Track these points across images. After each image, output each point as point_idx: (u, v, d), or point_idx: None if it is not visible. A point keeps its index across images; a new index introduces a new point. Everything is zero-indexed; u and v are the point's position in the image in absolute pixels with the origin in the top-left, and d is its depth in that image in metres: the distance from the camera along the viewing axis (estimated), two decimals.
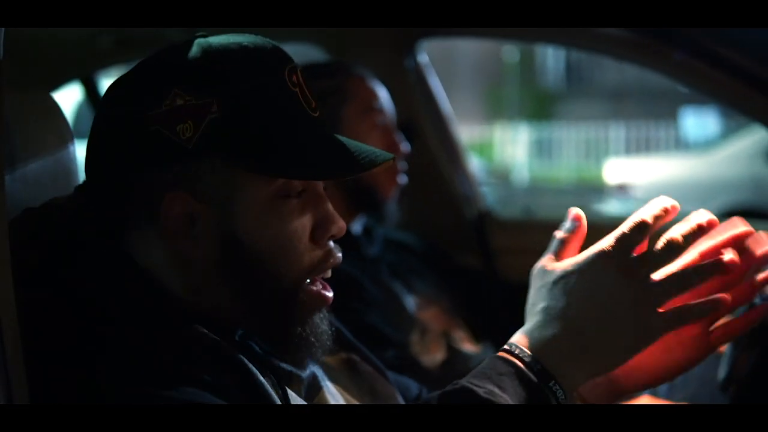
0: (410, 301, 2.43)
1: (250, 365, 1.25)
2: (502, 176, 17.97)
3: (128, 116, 1.27)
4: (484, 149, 20.21)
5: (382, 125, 2.43)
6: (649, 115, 19.83)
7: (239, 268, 1.28)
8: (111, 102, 1.32)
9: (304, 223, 1.30)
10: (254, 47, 1.31)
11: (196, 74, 1.26)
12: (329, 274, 1.36)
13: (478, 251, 3.21)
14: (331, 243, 1.34)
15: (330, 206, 1.34)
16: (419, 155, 2.98)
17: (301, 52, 2.83)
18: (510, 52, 21.39)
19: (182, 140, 1.23)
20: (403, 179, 2.48)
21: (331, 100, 2.39)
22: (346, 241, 2.34)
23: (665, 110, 19.74)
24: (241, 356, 1.25)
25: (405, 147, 2.46)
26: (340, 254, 1.35)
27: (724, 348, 2.08)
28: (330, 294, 1.35)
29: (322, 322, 1.35)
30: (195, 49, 1.29)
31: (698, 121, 19.30)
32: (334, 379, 1.52)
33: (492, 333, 2.64)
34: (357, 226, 2.49)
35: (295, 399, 1.35)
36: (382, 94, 2.49)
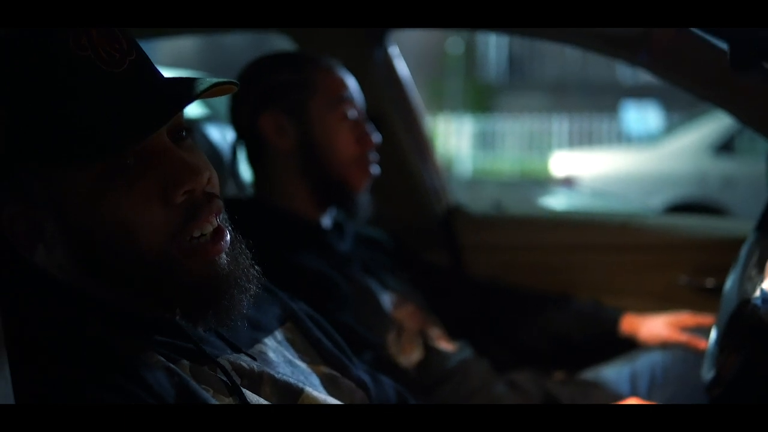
0: (385, 299, 2.37)
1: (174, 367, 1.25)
2: (444, 168, 18.02)
3: None
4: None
5: (352, 117, 2.37)
6: (591, 108, 19.98)
7: (96, 265, 1.25)
8: None
9: (144, 194, 1.24)
10: (29, 39, 1.24)
11: None
12: (212, 221, 1.30)
13: (446, 247, 3.17)
14: (202, 194, 1.28)
15: (181, 158, 1.27)
16: (387, 148, 2.92)
17: (269, 43, 2.78)
18: (453, 44, 21.42)
19: None
20: (375, 170, 2.42)
21: (297, 94, 2.33)
22: (316, 237, 2.31)
23: (607, 103, 19.90)
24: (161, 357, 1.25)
25: (376, 138, 2.40)
26: (217, 202, 1.30)
27: (706, 348, 2.08)
28: (220, 242, 1.29)
29: (226, 268, 1.30)
30: None
31: (639, 115, 19.47)
32: (314, 387, 1.49)
33: (467, 331, 2.61)
34: (327, 221, 2.43)
35: (256, 400, 1.32)
36: (351, 85, 2.42)
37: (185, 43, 22.13)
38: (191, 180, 1.25)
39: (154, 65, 1.31)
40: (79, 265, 1.25)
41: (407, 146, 3.12)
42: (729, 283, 2.07)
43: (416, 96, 3.20)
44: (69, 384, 1.14)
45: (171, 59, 20.58)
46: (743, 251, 2.04)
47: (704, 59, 2.28)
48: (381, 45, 3.06)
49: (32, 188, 1.22)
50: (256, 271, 1.37)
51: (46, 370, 1.16)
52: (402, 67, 3.15)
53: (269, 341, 1.51)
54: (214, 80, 1.26)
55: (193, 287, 1.27)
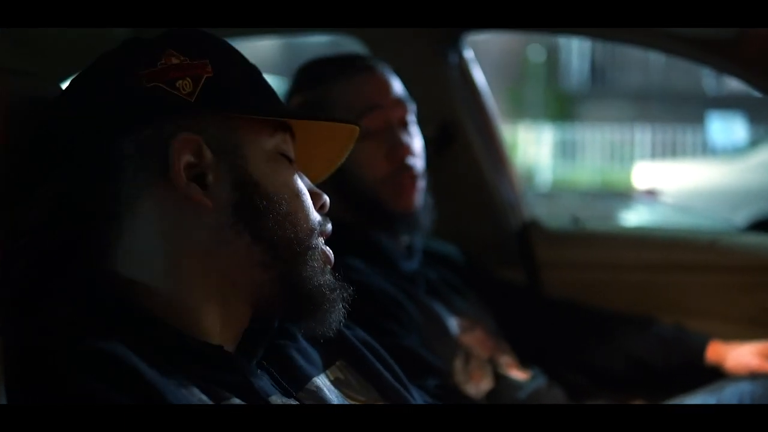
0: (452, 323, 2.25)
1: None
2: (524, 179, 18.00)
3: (118, 78, 1.29)
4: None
5: (378, 129, 2.23)
6: (675, 118, 19.80)
7: (259, 211, 1.29)
8: (93, 71, 1.34)
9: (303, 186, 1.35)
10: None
11: (186, 40, 1.33)
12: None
13: (522, 264, 3.04)
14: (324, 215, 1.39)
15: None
16: (460, 157, 2.84)
17: (338, 44, 2.68)
18: (534, 51, 21.35)
19: (183, 95, 1.27)
20: (420, 183, 2.29)
21: (319, 111, 2.21)
22: (380, 255, 2.19)
23: (691, 113, 19.72)
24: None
25: (414, 146, 2.27)
26: (328, 226, 1.40)
27: None
28: (332, 255, 1.40)
29: (333, 286, 1.36)
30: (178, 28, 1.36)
31: (725, 126, 19.26)
32: None
33: (539, 355, 2.49)
34: (393, 239, 2.31)
35: None
36: (384, 91, 2.28)
37: (264, 47, 22.36)
38: (318, 199, 1.39)
39: None
40: (213, 228, 1.28)
41: (482, 156, 2.99)
42: None
43: (492, 103, 3.08)
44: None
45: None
46: None
47: None
48: (456, 48, 2.94)
49: (211, 133, 1.29)
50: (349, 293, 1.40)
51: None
52: (478, 73, 3.02)
53: (323, 380, 1.42)
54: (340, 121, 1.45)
55: (313, 273, 1.34)
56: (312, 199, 1.36)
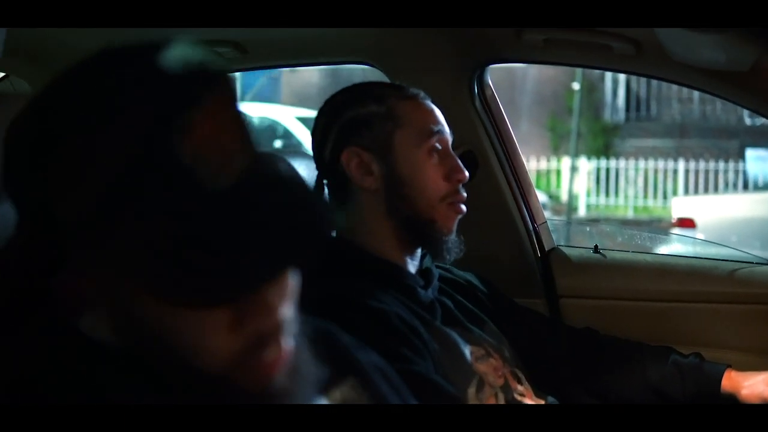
0: (467, 351, 2.24)
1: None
2: (564, 209, 17.97)
3: None
4: (546, 182, 20.18)
5: (440, 150, 2.27)
6: (714, 152, 19.71)
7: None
8: None
9: (213, 327, 1.07)
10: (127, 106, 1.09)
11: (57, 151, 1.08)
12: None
13: (542, 292, 3.06)
14: (265, 329, 1.11)
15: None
16: (483, 185, 2.86)
17: (360, 74, 2.71)
18: (575, 84, 21.38)
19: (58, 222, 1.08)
20: (463, 209, 2.31)
21: (380, 127, 2.23)
22: (399, 282, 2.21)
23: (730, 147, 19.62)
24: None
25: (466, 174, 2.30)
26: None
27: None
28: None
29: (291, 380, 1.17)
30: None
31: (763, 160, 19.14)
32: None
33: (557, 386, 2.48)
34: (412, 265, 2.32)
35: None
36: (439, 117, 2.31)
37: (307, 77, 22.41)
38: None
39: None
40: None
41: (503, 184, 3.02)
42: None
43: (512, 134, 3.10)
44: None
45: (295, 95, 20.93)
46: None
47: None
48: (479, 77, 2.98)
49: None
50: None
51: None
52: (499, 103, 3.05)
53: (322, 402, 1.39)
54: None
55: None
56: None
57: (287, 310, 1.14)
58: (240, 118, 1.10)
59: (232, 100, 1.09)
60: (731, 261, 3.07)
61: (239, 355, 1.10)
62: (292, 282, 1.13)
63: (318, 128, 2.32)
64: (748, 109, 2.61)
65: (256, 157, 1.10)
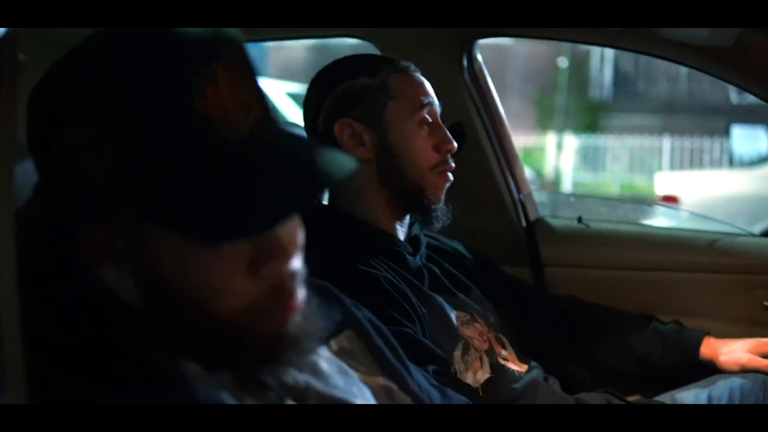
0: (453, 315, 2.31)
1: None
2: (550, 185, 17.98)
3: None
4: (533, 158, 20.19)
5: (430, 122, 2.33)
6: (700, 130, 19.74)
7: (165, 306, 1.18)
8: None
9: (232, 264, 1.15)
10: (153, 57, 1.17)
11: (90, 104, 1.15)
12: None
13: (527, 261, 3.10)
14: (283, 273, 1.19)
15: (274, 235, 1.18)
16: (471, 157, 2.89)
17: (353, 49, 2.76)
18: (564, 60, 21.35)
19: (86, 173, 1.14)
20: (450, 178, 2.38)
21: (373, 99, 2.29)
22: (389, 248, 2.27)
23: (716, 125, 19.64)
24: None
25: (454, 145, 2.36)
26: (296, 283, 1.23)
27: None
28: (292, 307, 1.22)
29: (300, 328, 1.24)
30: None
31: (748, 138, 19.17)
32: (365, 400, 1.44)
33: (540, 352, 2.55)
34: (401, 232, 2.38)
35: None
36: (429, 89, 2.37)
37: (294, 52, 22.34)
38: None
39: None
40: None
41: (491, 155, 3.07)
42: None
43: (500, 107, 3.15)
44: (91, 388, 1.11)
45: (280, 69, 20.84)
46: None
47: None
48: (469, 51, 3.02)
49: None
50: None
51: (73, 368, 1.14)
52: (488, 78, 3.11)
53: (323, 351, 1.45)
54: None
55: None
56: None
57: (297, 259, 1.21)
58: (253, 75, 1.19)
59: (245, 58, 1.18)
60: (711, 232, 3.13)
61: (256, 298, 1.18)
62: (300, 232, 1.21)
63: (311, 99, 2.36)
64: (732, 84, 2.66)
65: (267, 110, 1.19)
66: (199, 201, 1.10)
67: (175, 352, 1.20)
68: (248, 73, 1.19)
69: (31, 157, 1.19)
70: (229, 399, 1.19)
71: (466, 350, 2.24)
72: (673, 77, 21.85)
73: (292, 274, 1.21)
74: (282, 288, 1.20)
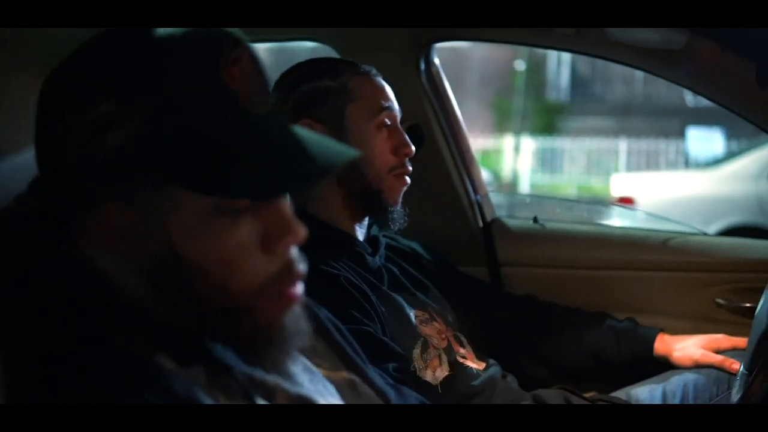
0: (412, 314, 2.34)
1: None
2: (508, 187, 18.03)
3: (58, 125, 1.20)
4: (490, 160, 20.23)
5: (389, 125, 2.36)
6: (656, 132, 19.86)
7: (177, 283, 1.20)
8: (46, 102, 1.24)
9: (248, 237, 1.21)
10: (186, 38, 1.22)
11: (123, 80, 1.18)
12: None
13: (484, 261, 3.14)
14: (293, 254, 1.24)
15: (287, 212, 1.24)
16: (428, 159, 2.93)
17: (311, 52, 2.78)
18: (520, 63, 21.42)
19: (112, 149, 1.16)
20: (408, 181, 2.41)
21: (333, 101, 2.31)
22: (348, 248, 2.30)
23: (672, 127, 19.78)
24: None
25: (412, 148, 2.39)
26: (303, 267, 1.25)
27: (739, 369, 2.06)
28: (298, 291, 1.25)
29: (293, 323, 1.27)
30: (125, 48, 1.21)
31: (703, 139, 19.32)
32: (330, 396, 1.47)
33: (498, 350, 2.59)
34: (360, 233, 2.42)
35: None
36: (389, 93, 2.40)
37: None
38: (294, 238, 1.24)
39: None
40: (144, 284, 1.21)
41: (447, 157, 3.10)
42: (761, 304, 2.04)
43: (457, 109, 3.18)
44: (70, 380, 1.12)
45: None
46: None
47: (736, 74, 2.28)
48: (426, 55, 3.05)
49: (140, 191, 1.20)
50: None
51: (48, 357, 1.14)
52: (445, 81, 3.14)
53: None
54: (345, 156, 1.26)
55: (258, 331, 1.27)
56: (273, 238, 1.22)
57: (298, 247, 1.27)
58: (264, 69, 1.28)
59: (257, 55, 1.26)
60: (665, 231, 3.17)
61: (267, 276, 1.22)
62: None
63: (272, 102, 2.38)
64: (683, 86, 2.69)
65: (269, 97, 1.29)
66: (228, 163, 1.16)
67: (164, 341, 1.23)
68: (261, 66, 1.26)
69: (44, 142, 1.22)
70: (200, 393, 1.21)
71: (425, 348, 2.28)
72: (629, 80, 22.01)
73: (298, 259, 1.25)
74: (290, 269, 1.23)
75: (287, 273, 1.23)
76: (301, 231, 1.23)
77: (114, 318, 1.21)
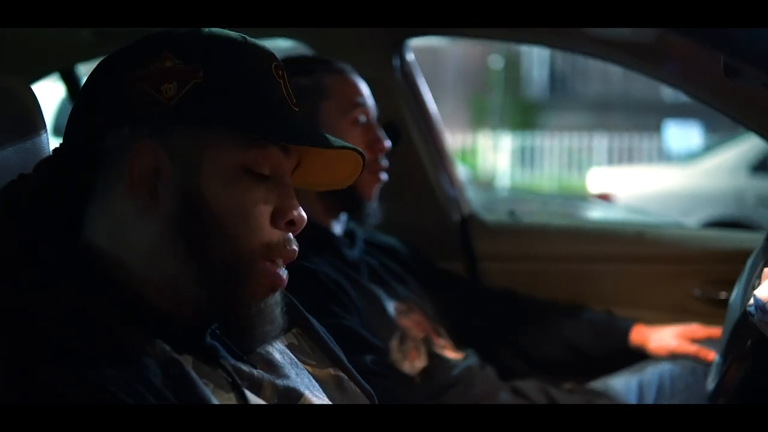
0: (390, 306, 2.37)
1: (189, 369, 1.27)
2: (485, 184, 18.03)
3: (115, 76, 1.33)
4: (468, 157, 20.22)
5: (364, 122, 2.38)
6: (634, 127, 19.89)
7: (198, 228, 1.30)
8: (101, 67, 1.37)
9: (265, 203, 1.33)
10: (244, 39, 1.37)
11: (188, 42, 1.33)
12: (283, 265, 1.34)
13: (461, 256, 3.15)
14: (291, 235, 1.35)
15: (293, 196, 1.37)
16: (404, 155, 2.94)
17: (287, 49, 2.79)
18: (495, 60, 21.42)
19: (164, 98, 1.28)
20: (384, 177, 2.43)
21: (309, 97, 2.33)
22: (326, 243, 2.31)
23: (649, 122, 19.81)
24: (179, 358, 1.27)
25: (387, 144, 2.41)
26: (296, 247, 1.35)
27: (714, 358, 2.08)
28: (285, 277, 1.35)
29: (275, 306, 1.36)
30: (190, 29, 1.36)
31: (681, 134, 19.37)
32: (316, 391, 1.48)
33: (475, 340, 2.61)
34: (338, 228, 2.43)
35: (255, 401, 1.34)
36: (364, 90, 2.43)
37: None
38: (298, 216, 1.36)
39: None
40: (157, 233, 1.30)
41: (423, 153, 3.11)
42: (734, 293, 2.06)
43: (433, 105, 3.20)
44: (63, 367, 1.15)
45: None
46: (749, 262, 2.03)
47: (707, 66, 2.31)
48: (400, 52, 3.06)
49: (178, 139, 1.30)
50: None
51: (41, 348, 1.17)
52: (420, 77, 3.15)
53: (277, 343, 1.50)
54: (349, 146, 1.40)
55: (249, 299, 1.33)
56: (280, 213, 1.32)
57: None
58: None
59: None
60: (640, 224, 3.20)
61: (271, 242, 1.32)
62: None
63: None
64: (655, 79, 2.72)
65: None
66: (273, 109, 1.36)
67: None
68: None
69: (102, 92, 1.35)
70: (190, 381, 1.25)
71: (403, 340, 2.30)
72: (606, 76, 22.01)
73: (292, 242, 1.36)
74: (284, 245, 1.34)
75: (282, 248, 1.33)
76: (304, 217, 1.35)
77: (115, 302, 1.28)
